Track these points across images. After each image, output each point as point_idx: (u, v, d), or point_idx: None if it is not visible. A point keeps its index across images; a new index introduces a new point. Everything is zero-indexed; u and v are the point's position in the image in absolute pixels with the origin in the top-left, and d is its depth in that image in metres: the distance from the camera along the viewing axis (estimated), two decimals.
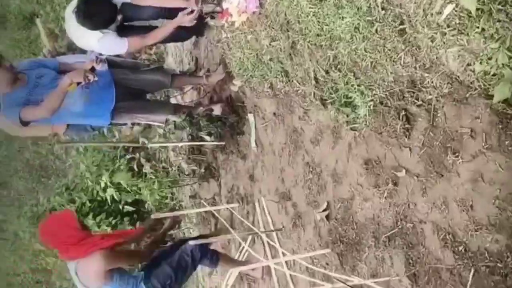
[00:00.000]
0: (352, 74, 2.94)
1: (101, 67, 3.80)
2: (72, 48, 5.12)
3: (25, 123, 3.55)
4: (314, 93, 3.28)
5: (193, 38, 4.90)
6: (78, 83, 3.51)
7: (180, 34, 4.20)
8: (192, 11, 3.63)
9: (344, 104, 3.06)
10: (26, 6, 9.60)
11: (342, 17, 2.84)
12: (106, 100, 3.91)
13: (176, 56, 5.67)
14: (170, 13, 3.79)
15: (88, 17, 3.52)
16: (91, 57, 3.86)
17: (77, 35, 3.79)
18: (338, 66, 3.02)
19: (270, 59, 3.62)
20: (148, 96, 4.69)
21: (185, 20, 3.66)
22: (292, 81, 3.49)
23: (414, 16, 2.47)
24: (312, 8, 3.02)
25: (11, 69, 3.57)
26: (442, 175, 2.53)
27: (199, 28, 4.32)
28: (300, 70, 3.35)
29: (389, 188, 2.81)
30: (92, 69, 3.68)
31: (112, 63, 4.00)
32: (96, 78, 3.58)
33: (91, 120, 4.12)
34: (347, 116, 3.06)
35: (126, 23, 3.91)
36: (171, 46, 5.70)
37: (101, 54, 3.80)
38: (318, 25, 3.03)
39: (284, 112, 3.71)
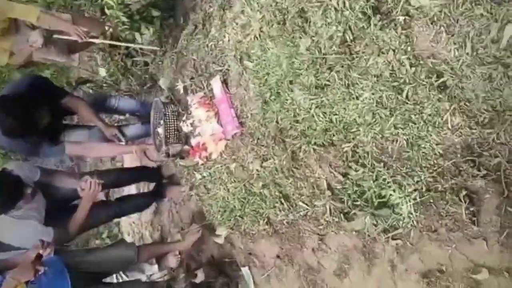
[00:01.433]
0: (382, 165, 2.34)
1: (49, 253, 2.93)
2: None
3: None
4: (331, 209, 2.59)
5: (152, 206, 4.21)
6: (27, 282, 2.63)
7: (136, 205, 3.68)
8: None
9: (377, 206, 2.37)
10: None
11: (357, 96, 2.34)
12: None
13: (134, 233, 4.86)
14: None
15: None
16: (34, 243, 3.00)
17: None
18: (360, 161, 2.42)
19: (264, 186, 2.98)
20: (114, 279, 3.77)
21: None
22: (297, 204, 2.80)
23: (457, 60, 2.00)
24: (313, 99, 2.53)
25: None
26: None
27: (158, 190, 3.88)
28: (307, 185, 2.72)
29: None
30: (40, 257, 2.82)
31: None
32: (45, 268, 2.71)
33: None
34: (385, 221, 2.34)
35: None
36: (125, 223, 4.92)
37: None
38: (325, 117, 2.50)
39: (291, 250, 2.93)
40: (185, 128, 3.43)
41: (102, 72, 4.91)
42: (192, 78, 3.40)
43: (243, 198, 3.14)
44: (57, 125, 3.56)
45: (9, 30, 4.00)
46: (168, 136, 3.39)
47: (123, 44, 4.22)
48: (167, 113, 3.41)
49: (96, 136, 3.66)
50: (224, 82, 3.10)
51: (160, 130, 3.62)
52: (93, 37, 3.94)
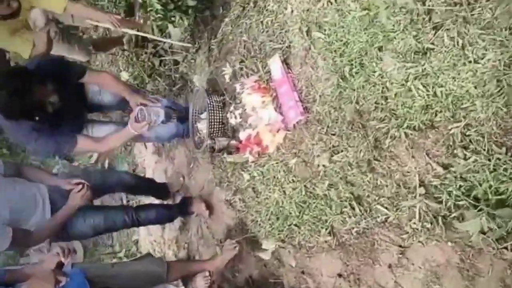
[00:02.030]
0: (504, 150, 1.82)
1: (70, 260, 2.48)
2: None
3: None
4: (421, 212, 2.06)
5: (178, 221, 3.76)
6: None
7: (157, 216, 3.31)
8: None
9: (494, 205, 1.85)
10: None
11: (475, 59, 1.85)
12: None
13: (155, 253, 4.34)
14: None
15: None
16: (54, 250, 2.54)
17: None
18: (472, 146, 1.90)
19: (330, 186, 2.46)
20: None
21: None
22: (373, 208, 2.28)
23: None
24: (411, 68, 2.03)
25: None
26: None
27: (183, 206, 3.49)
28: (390, 183, 2.21)
29: None
30: (61, 266, 2.39)
31: None
32: (68, 279, 2.31)
33: None
34: (505, 225, 1.81)
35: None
36: (144, 241, 4.41)
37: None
38: (426, 91, 2.00)
39: (360, 266, 2.41)
40: (232, 120, 2.95)
41: (125, 75, 4.54)
42: (242, 61, 2.93)
43: (302, 202, 2.63)
44: (78, 112, 3.14)
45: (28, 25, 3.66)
46: (212, 129, 2.91)
47: (155, 37, 3.86)
48: (211, 103, 2.94)
49: None
50: (285, 62, 2.61)
51: (200, 125, 3.15)
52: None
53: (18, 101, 2.51)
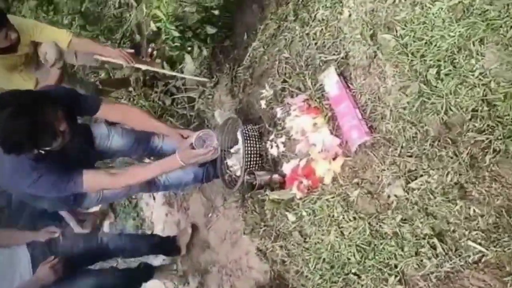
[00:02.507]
0: None
1: None
2: None
3: None
4: None
5: (194, 281, 3.45)
6: None
7: None
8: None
9: None
10: None
11: None
12: None
13: None
14: None
15: None
16: None
17: None
18: None
19: (404, 221, 2.03)
20: None
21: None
22: (461, 245, 1.87)
23: None
24: None
25: None
26: None
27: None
28: (487, 210, 1.81)
29: None
30: None
31: None
32: None
33: None
34: None
35: None
36: None
37: None
38: None
39: None
40: (273, 150, 2.52)
41: None
42: (284, 81, 2.53)
43: (366, 244, 2.16)
44: (85, 157, 2.64)
45: (32, 60, 3.31)
46: (249, 163, 2.47)
47: (170, 73, 3.52)
48: (247, 132, 2.51)
49: None
50: (341, 75, 2.21)
51: (231, 161, 2.72)
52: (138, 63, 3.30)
53: (25, 124, 2.04)
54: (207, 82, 3.42)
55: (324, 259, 2.35)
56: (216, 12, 3.06)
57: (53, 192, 2.31)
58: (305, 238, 2.44)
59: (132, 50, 3.41)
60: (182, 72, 3.51)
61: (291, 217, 2.47)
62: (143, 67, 3.43)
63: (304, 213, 2.39)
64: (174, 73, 3.52)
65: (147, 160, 3.92)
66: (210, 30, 3.05)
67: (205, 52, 3.13)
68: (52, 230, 2.99)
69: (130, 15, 4.46)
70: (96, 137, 2.76)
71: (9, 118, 1.99)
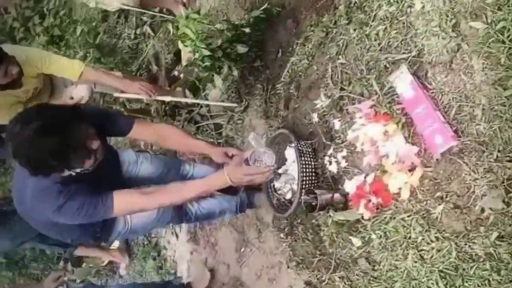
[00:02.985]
0: None
1: None
2: None
3: None
4: None
5: None
6: None
7: None
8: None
9: None
10: None
11: None
12: None
13: None
14: None
15: None
16: None
17: None
18: None
19: (501, 239, 1.72)
20: None
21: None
22: None
23: None
24: None
25: None
26: None
27: None
28: None
29: None
30: None
31: None
32: None
33: None
34: None
35: None
36: None
37: None
38: None
39: None
40: (333, 167, 2.23)
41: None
42: (342, 89, 2.26)
43: (451, 268, 1.84)
44: (114, 182, 2.37)
45: (43, 91, 3.07)
46: (305, 182, 2.19)
47: (196, 100, 3.41)
48: (300, 148, 2.24)
49: None
50: (415, 75, 1.95)
51: (279, 183, 2.44)
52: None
53: (53, 142, 1.77)
54: (235, 107, 3.21)
55: None
56: (247, 30, 2.87)
57: (80, 217, 2.03)
58: (373, 266, 2.12)
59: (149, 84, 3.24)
60: (207, 99, 3.36)
61: (357, 241, 2.16)
62: (167, 98, 3.28)
63: (373, 236, 2.08)
64: (200, 101, 3.38)
65: None
66: (241, 49, 2.85)
67: (235, 73, 2.91)
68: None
69: (146, 45, 4.32)
70: (124, 163, 2.52)
71: (35, 136, 1.74)
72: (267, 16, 2.96)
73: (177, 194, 2.14)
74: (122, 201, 2.04)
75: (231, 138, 3.35)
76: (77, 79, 2.92)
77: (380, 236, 2.05)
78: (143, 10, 3.76)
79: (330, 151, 2.26)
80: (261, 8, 2.95)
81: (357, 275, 2.20)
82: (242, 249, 3.21)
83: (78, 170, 1.91)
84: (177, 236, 4.06)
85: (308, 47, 2.65)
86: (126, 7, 3.45)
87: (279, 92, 2.86)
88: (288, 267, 2.74)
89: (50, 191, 1.97)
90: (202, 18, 2.76)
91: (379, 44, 2.12)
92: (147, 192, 2.12)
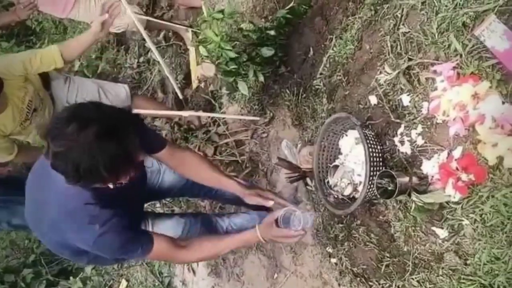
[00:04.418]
0: None
1: None
2: None
3: None
4: None
5: None
6: None
7: None
8: None
9: None
10: None
11: None
12: None
13: None
14: None
15: None
16: None
17: None
18: None
19: None
20: None
21: None
22: None
23: None
24: None
25: None
26: None
27: None
28: None
29: None
30: None
31: None
32: None
33: None
34: None
35: None
36: None
37: None
38: None
39: None
40: (405, 147, 1.91)
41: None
42: (409, 59, 1.97)
43: None
44: (141, 196, 2.22)
45: (41, 108, 2.83)
46: (373, 169, 1.86)
47: (217, 115, 3.27)
48: (364, 132, 1.94)
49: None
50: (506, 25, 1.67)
51: (333, 179, 2.14)
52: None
53: (112, 149, 1.44)
54: (258, 120, 2.99)
55: (499, 286, 1.66)
56: (272, 33, 2.66)
57: (117, 254, 1.87)
58: (465, 260, 1.76)
59: None
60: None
61: (442, 232, 1.81)
62: (185, 113, 3.13)
63: (465, 222, 1.73)
64: (228, 116, 3.20)
65: (202, 203, 3.32)
66: (267, 52, 2.63)
67: (261, 78, 2.66)
68: None
69: (151, 72, 4.13)
70: (146, 172, 2.21)
71: (95, 141, 1.42)
72: (293, 16, 2.75)
73: (213, 250, 1.95)
74: (158, 250, 1.85)
75: (255, 154, 3.07)
76: (63, 64, 2.67)
77: (475, 221, 1.71)
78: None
79: (401, 130, 1.95)
80: (286, 8, 2.74)
81: (442, 275, 1.83)
82: (275, 276, 2.84)
83: (117, 184, 1.60)
84: (193, 271, 3.64)
85: (349, 34, 2.40)
86: (133, 29, 3.32)
87: (317, 88, 2.59)
88: (339, 285, 2.37)
89: (81, 215, 1.69)
90: (228, 17, 2.51)
91: (453, 1, 1.85)
92: (183, 245, 1.92)
